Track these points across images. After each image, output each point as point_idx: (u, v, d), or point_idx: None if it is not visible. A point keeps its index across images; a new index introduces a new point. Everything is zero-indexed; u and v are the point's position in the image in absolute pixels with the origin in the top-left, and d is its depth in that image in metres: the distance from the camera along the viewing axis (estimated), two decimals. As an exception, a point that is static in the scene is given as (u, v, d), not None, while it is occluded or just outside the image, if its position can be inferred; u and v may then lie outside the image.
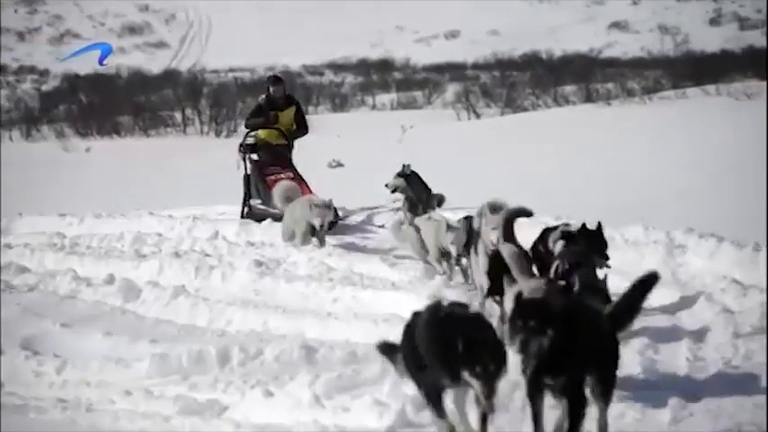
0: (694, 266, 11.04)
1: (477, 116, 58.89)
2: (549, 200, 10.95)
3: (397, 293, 10.67)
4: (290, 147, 16.58)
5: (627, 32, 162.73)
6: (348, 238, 14.68)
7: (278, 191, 14.22)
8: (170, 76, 75.86)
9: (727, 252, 10.92)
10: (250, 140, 16.53)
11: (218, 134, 52.87)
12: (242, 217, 16.20)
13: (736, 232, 11.71)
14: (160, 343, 9.52)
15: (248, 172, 16.49)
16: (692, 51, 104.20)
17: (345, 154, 31.53)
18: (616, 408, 6.56)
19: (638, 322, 8.77)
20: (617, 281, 8.36)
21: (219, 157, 34.28)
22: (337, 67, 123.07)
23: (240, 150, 16.55)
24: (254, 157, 16.42)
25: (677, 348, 8.00)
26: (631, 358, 7.70)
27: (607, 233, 8.69)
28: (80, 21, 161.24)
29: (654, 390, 6.96)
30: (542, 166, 22.55)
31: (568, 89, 61.18)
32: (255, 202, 16.27)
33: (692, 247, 11.43)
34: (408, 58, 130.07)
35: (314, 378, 7.62)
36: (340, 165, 30.61)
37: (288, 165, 16.25)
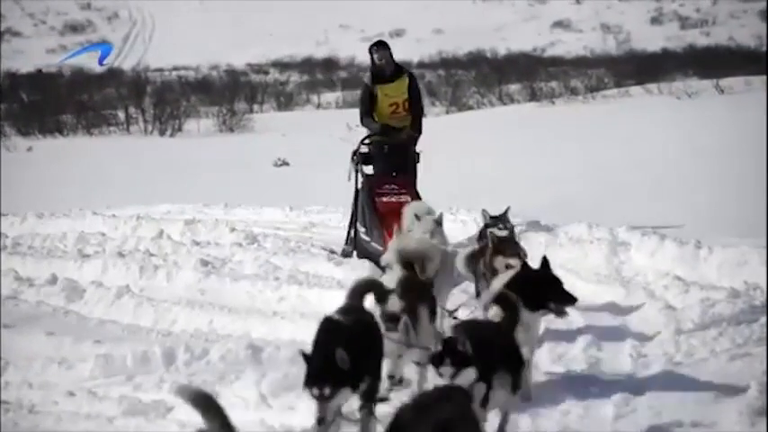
0: (637, 264, 11.17)
1: (423, 115, 58.98)
2: (493, 198, 11.03)
3: (343, 292, 10.59)
4: (413, 140, 12.90)
5: (570, 31, 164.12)
6: (294, 237, 14.63)
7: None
8: (113, 74, 75.09)
9: (669, 249, 11.07)
10: (365, 149, 12.87)
11: (161, 133, 52.50)
12: (344, 255, 12.72)
13: (677, 230, 11.87)
14: (104, 343, 9.42)
15: (359, 187, 12.80)
16: (634, 50, 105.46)
17: (291, 153, 31.44)
18: (560, 405, 6.61)
19: (582, 319, 8.89)
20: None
21: (163, 157, 34.21)
22: (282, 66, 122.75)
23: (353, 159, 12.81)
24: (369, 170, 12.83)
25: (620, 345, 8.08)
26: (575, 355, 7.77)
27: (552, 232, 8.76)
28: (21, 19, 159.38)
29: (597, 386, 7.02)
30: (487, 165, 22.62)
31: (513, 88, 61.59)
32: (361, 231, 12.48)
33: (635, 245, 11.58)
34: (353, 56, 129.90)
35: (260, 377, 7.60)
36: (285, 163, 30.54)
37: (408, 180, 12.50)
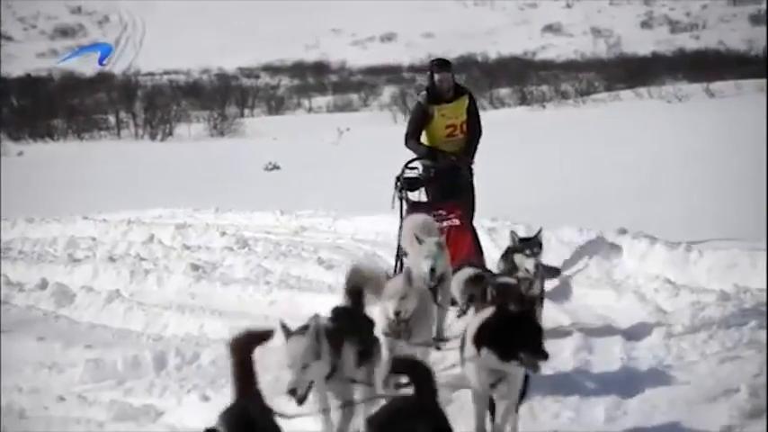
0: (628, 267, 11.20)
1: (414, 118, 59.02)
2: (484, 201, 11.00)
3: (333, 296, 10.64)
4: (467, 165, 11.26)
5: (560, 35, 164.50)
6: (285, 242, 14.63)
7: (409, 225, 9.49)
8: (104, 78, 75.07)
9: (659, 252, 11.11)
10: (411, 173, 11.23)
11: (152, 137, 52.48)
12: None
13: (668, 233, 11.89)
14: (94, 348, 9.42)
15: (404, 215, 10.95)
16: (625, 54, 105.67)
17: (281, 156, 31.44)
18: (551, 407, 6.62)
19: (573, 322, 8.90)
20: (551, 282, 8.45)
21: (154, 161, 34.19)
22: (273, 70, 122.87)
23: (396, 186, 11.10)
24: (413, 196, 11.16)
25: (611, 348, 8.09)
26: (566, 358, 7.78)
27: (542, 234, 8.73)
28: (11, 23, 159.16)
29: (588, 389, 7.03)
30: (478, 168, 22.63)
31: (504, 91, 61.75)
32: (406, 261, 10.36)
33: (625, 248, 11.60)
34: (344, 60, 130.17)
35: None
36: (276, 167, 30.54)
37: (457, 204, 10.79)
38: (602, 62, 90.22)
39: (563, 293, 8.88)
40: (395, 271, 10.48)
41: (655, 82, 58.69)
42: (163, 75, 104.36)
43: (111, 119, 57.31)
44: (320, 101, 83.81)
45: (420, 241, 8.53)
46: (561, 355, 7.80)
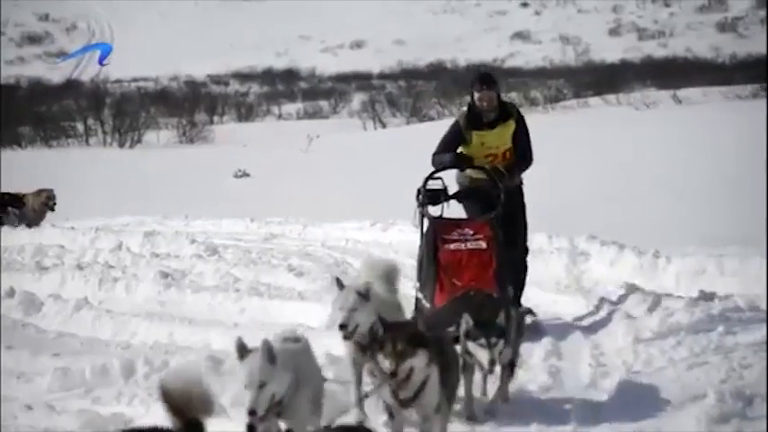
0: (597, 273, 11.29)
1: (383, 125, 59.19)
2: (453, 208, 11.01)
3: (303, 303, 10.65)
4: (501, 188, 9.16)
5: (529, 43, 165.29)
6: (255, 249, 14.61)
7: (365, 268, 8.07)
8: (71, 86, 74.73)
9: (628, 259, 11.21)
10: (435, 184, 9.32)
11: (121, 145, 52.29)
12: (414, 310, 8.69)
13: (636, 239, 11.96)
14: (62, 356, 9.34)
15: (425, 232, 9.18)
16: (593, 61, 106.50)
17: (251, 164, 31.41)
18: (520, 413, 6.63)
19: (542, 329, 8.93)
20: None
21: (123, 168, 34.04)
22: (243, 77, 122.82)
23: (417, 199, 9.23)
24: (434, 211, 9.26)
25: (580, 355, 8.12)
26: (536, 364, 7.80)
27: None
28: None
29: (557, 395, 7.05)
30: (447, 175, 22.68)
31: (473, 99, 61.89)
32: (417, 290, 8.89)
33: (594, 255, 11.70)
34: (314, 67, 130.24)
35: (220, 389, 7.56)
36: (246, 174, 30.51)
37: (490, 225, 8.86)
38: (571, 69, 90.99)
39: (535, 332, 8.78)
40: (415, 308, 8.65)
41: (623, 89, 59.21)
42: (131, 82, 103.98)
43: (80, 126, 57.06)
44: (290, 108, 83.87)
45: (340, 286, 6.80)
46: (530, 362, 7.82)
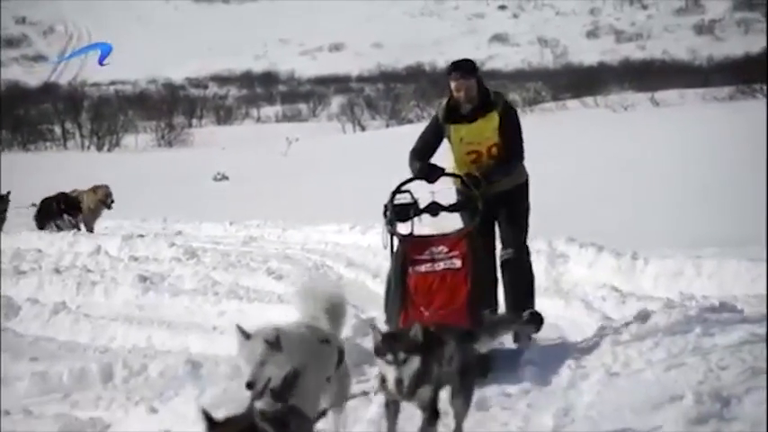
0: (575, 275, 11.31)
1: (363, 128, 59.26)
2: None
3: (283, 307, 10.62)
4: (478, 196, 8.12)
5: (507, 45, 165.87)
6: (234, 252, 14.59)
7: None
8: (49, 89, 74.49)
9: (606, 261, 11.24)
10: (403, 198, 8.24)
11: (99, 148, 52.20)
12: None
13: (615, 241, 12.00)
14: (40, 361, 9.29)
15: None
16: (571, 63, 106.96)
17: (230, 167, 31.37)
18: (500, 416, 6.64)
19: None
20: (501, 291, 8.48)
21: (101, 171, 33.91)
22: (221, 80, 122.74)
23: (384, 215, 8.21)
24: (403, 229, 8.18)
25: (558, 356, 8.11)
26: (514, 366, 7.81)
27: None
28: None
29: (536, 397, 7.06)
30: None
31: (452, 101, 62.03)
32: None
33: (573, 257, 11.73)
34: (293, 70, 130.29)
35: (199, 393, 7.53)
36: (225, 178, 30.48)
37: (467, 240, 7.95)
38: (549, 72, 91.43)
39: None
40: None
41: (601, 91, 59.47)
42: (109, 85, 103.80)
43: (57, 130, 56.93)
44: (269, 111, 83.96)
45: (244, 335, 5.59)
46: (510, 364, 7.83)
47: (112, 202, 18.31)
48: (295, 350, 5.61)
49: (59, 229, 17.86)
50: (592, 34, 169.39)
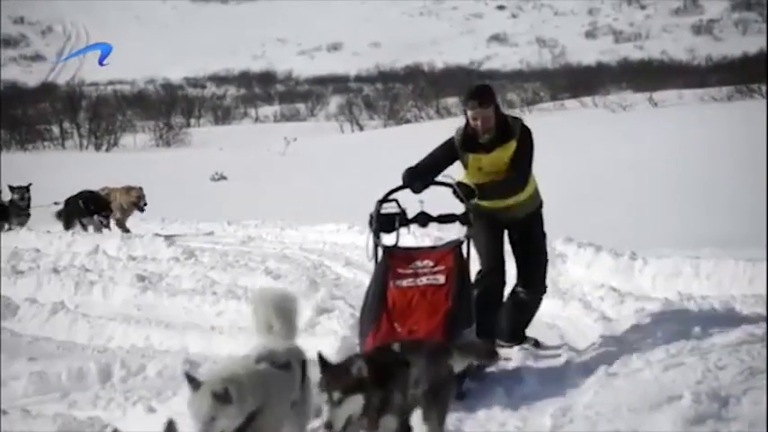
0: (574, 275, 11.31)
1: (361, 128, 59.20)
2: (433, 211, 11.01)
3: (281, 306, 10.62)
4: (470, 207, 8.01)
5: (506, 45, 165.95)
6: (232, 252, 14.59)
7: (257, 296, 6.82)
8: (47, 89, 74.47)
9: (604, 261, 11.25)
10: (389, 207, 7.96)
11: (97, 148, 52.10)
12: None
13: (613, 241, 12.01)
14: (38, 361, 9.28)
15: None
16: (569, 63, 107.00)
17: (228, 167, 31.36)
18: (498, 416, 6.64)
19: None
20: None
21: (99, 172, 33.89)
22: (219, 80, 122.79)
23: (370, 224, 7.92)
24: (389, 239, 7.98)
25: (557, 356, 8.13)
26: (512, 366, 7.81)
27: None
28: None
29: (535, 397, 7.06)
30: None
31: (450, 101, 62.09)
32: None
33: (571, 257, 11.73)
34: (291, 70, 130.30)
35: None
36: (223, 178, 30.47)
37: (454, 254, 7.69)
38: (548, 72, 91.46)
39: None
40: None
41: (599, 91, 59.49)
42: (107, 85, 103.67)
43: (56, 129, 56.85)
44: (267, 110, 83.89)
45: (194, 386, 5.32)
46: (508, 364, 7.83)
47: (145, 204, 18.23)
48: (249, 395, 5.26)
49: (85, 228, 17.83)
50: (590, 34, 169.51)
